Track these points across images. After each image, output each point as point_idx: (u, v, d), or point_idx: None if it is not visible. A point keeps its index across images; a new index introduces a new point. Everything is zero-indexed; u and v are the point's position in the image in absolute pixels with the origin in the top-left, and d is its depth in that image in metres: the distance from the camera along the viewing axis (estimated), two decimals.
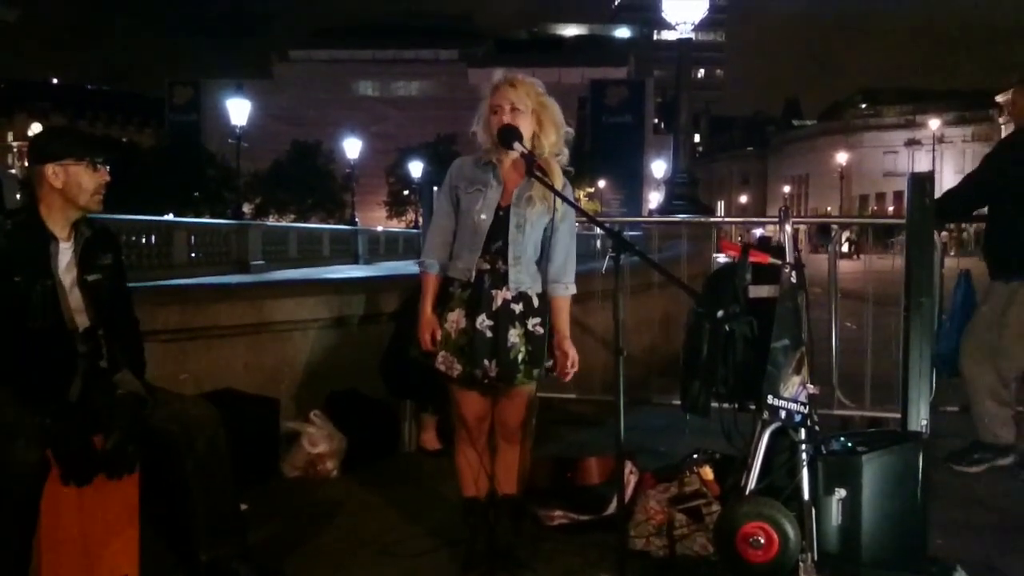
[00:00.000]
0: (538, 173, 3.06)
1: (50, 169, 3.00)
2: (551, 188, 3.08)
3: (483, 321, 3.10)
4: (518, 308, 3.13)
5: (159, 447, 3.03)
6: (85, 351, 3.05)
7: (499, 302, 3.11)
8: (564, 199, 3.10)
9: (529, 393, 3.28)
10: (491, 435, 3.36)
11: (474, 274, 3.12)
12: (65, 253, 3.03)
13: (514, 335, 3.12)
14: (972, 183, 4.97)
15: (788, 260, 3.48)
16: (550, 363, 3.22)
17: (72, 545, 2.88)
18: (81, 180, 3.02)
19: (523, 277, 3.15)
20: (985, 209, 4.92)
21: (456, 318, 3.12)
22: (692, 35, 12.98)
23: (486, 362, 3.09)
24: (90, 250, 3.08)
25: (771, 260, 3.50)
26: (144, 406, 3.01)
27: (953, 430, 5.06)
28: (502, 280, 3.12)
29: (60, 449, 2.80)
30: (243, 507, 3.41)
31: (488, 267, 3.12)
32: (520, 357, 3.13)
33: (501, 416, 3.28)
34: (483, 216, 3.11)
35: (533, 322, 3.16)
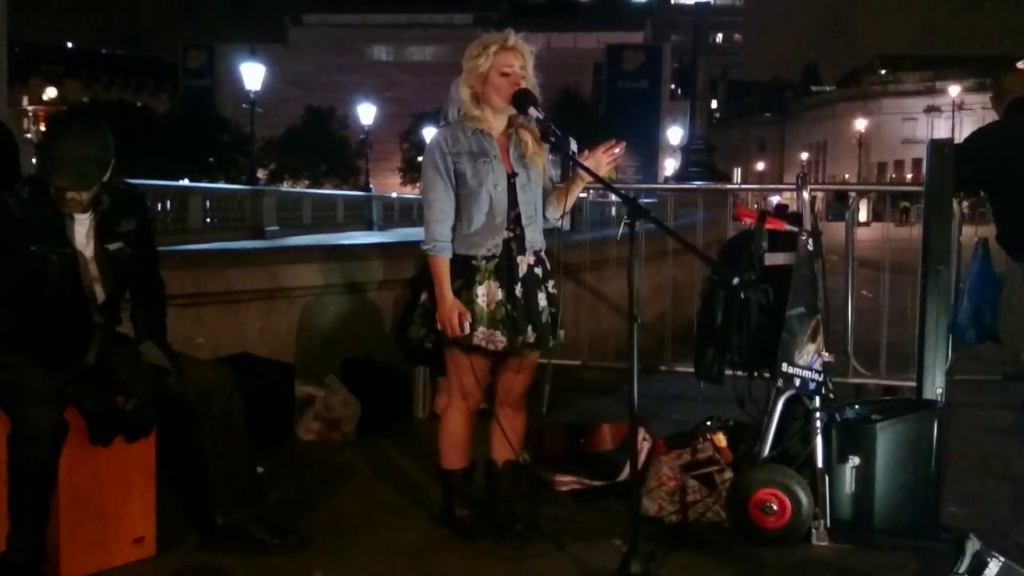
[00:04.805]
0: (552, 139, 3.05)
1: None
2: (568, 154, 3.08)
3: (519, 289, 3.10)
4: (540, 271, 3.16)
5: (176, 410, 3.06)
6: (102, 322, 3.06)
7: (524, 268, 3.12)
8: (580, 165, 3.08)
9: (537, 359, 3.30)
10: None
11: (502, 246, 3.10)
12: (83, 223, 2.98)
13: (542, 299, 3.15)
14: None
15: (805, 227, 3.45)
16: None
17: (89, 507, 2.91)
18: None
19: (536, 235, 3.17)
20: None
21: (487, 291, 3.07)
22: None
23: (529, 330, 3.10)
24: (110, 219, 3.02)
25: (788, 227, 3.48)
26: (167, 377, 3.02)
27: (968, 399, 5.05)
28: (522, 245, 3.12)
29: (83, 409, 2.83)
30: (259, 470, 3.45)
31: (510, 235, 3.11)
32: (548, 320, 3.15)
33: (511, 384, 3.26)
34: (499, 187, 3.08)
35: (551, 284, 3.21)
